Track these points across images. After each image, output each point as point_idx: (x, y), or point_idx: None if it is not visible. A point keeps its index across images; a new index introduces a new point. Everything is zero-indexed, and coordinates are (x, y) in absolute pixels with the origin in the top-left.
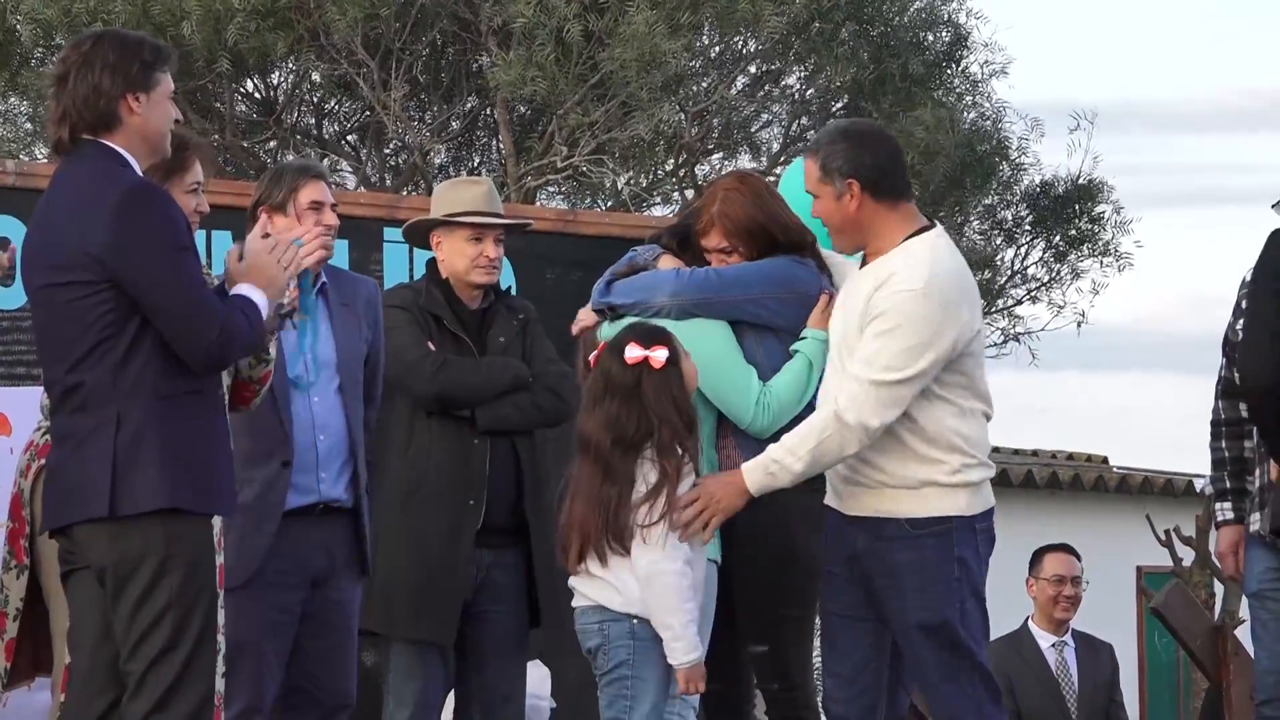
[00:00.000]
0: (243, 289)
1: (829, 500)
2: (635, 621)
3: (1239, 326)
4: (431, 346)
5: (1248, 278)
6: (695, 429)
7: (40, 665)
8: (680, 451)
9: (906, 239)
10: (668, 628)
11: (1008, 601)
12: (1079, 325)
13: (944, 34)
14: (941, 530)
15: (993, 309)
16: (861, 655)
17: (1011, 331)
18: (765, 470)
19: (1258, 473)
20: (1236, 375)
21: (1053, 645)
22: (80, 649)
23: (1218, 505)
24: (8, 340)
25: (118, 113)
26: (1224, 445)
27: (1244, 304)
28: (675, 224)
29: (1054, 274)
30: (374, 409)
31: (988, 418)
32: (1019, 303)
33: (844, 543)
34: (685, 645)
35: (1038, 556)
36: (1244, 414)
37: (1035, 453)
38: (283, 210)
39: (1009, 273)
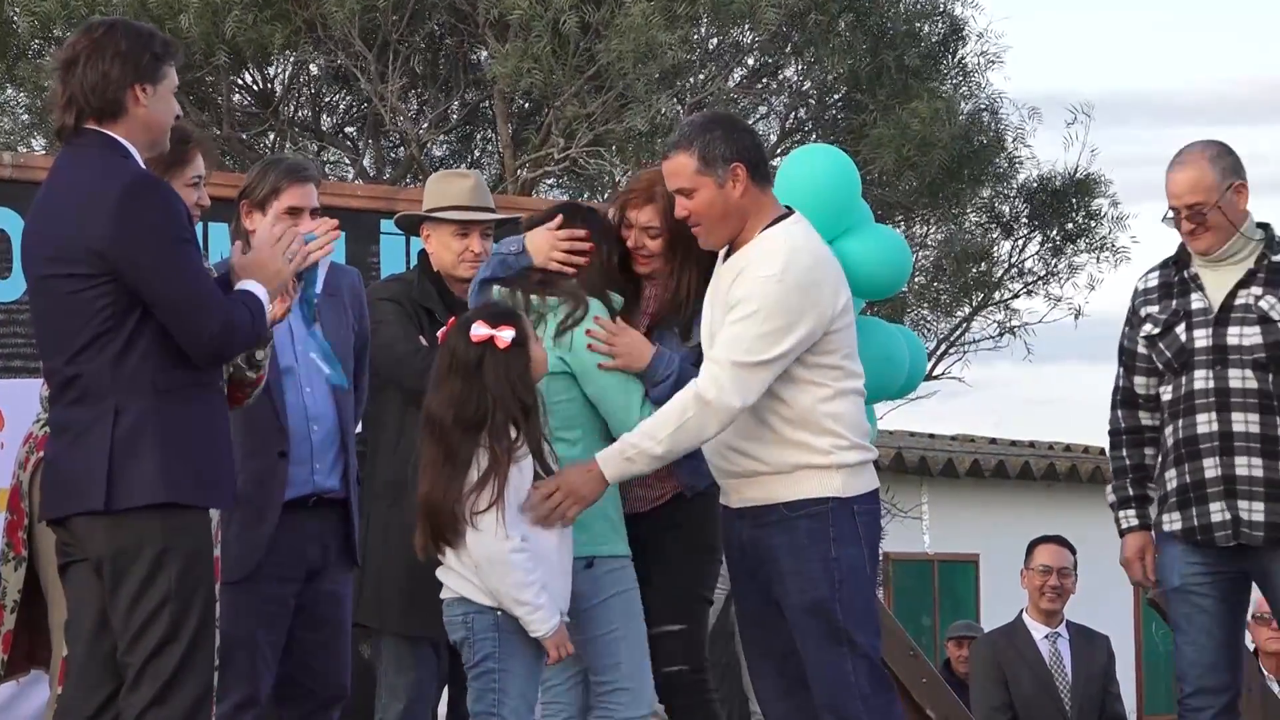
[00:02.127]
0: (245, 284)
1: (720, 497)
2: (499, 614)
3: (1138, 336)
4: (423, 340)
5: (1140, 286)
6: (534, 414)
7: (35, 658)
8: (514, 435)
9: (765, 228)
10: (520, 604)
11: (1001, 593)
12: (1076, 318)
13: (940, 25)
14: (816, 511)
15: (989, 302)
16: (781, 648)
17: (1008, 325)
18: (622, 456)
19: (1172, 475)
20: (1135, 384)
21: (1046, 637)
22: (77, 641)
23: (1120, 513)
24: (4, 333)
25: (124, 102)
26: (1124, 454)
27: (1141, 313)
28: (542, 213)
29: (1051, 268)
30: (361, 402)
31: (862, 395)
32: (1015, 296)
33: (732, 536)
34: (542, 615)
35: (1030, 548)
36: (1144, 422)
37: (1032, 444)
38: (263, 209)
39: (1005, 266)
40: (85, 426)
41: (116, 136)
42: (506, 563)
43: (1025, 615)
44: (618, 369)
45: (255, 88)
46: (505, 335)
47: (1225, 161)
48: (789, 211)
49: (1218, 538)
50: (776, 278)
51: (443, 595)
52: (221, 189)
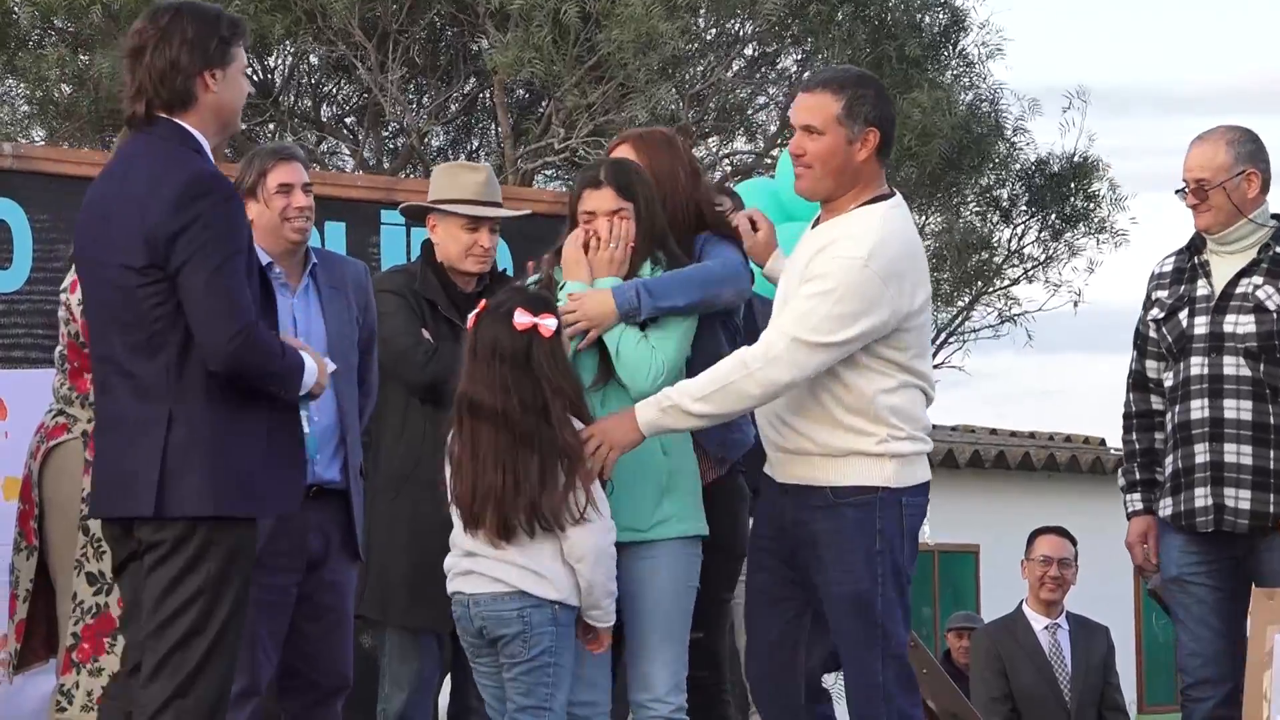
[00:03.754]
0: (311, 367)
1: (766, 468)
2: (558, 607)
3: (1149, 319)
4: (426, 333)
5: (1155, 270)
6: (584, 402)
7: (52, 647)
8: (580, 424)
9: (864, 204)
10: (609, 595)
11: (1002, 583)
12: (1075, 305)
13: (941, 15)
14: (863, 500)
15: (990, 290)
16: (775, 636)
17: (1008, 313)
18: (659, 407)
19: (1169, 460)
20: (1147, 368)
21: (1046, 628)
22: (139, 635)
23: (1127, 497)
24: (5, 324)
25: (194, 90)
26: (1134, 438)
27: (1153, 297)
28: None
29: (1050, 252)
30: (370, 398)
31: (928, 397)
32: (1015, 282)
33: (775, 512)
34: (612, 604)
35: (1031, 539)
36: (1155, 406)
37: (1032, 435)
38: (254, 195)
39: (1005, 253)
40: (140, 427)
41: (188, 127)
42: (610, 554)
43: (1025, 606)
44: (590, 335)
45: (255, 78)
46: (549, 324)
47: (1244, 147)
48: (892, 193)
49: (1198, 523)
50: (862, 261)
51: (481, 589)
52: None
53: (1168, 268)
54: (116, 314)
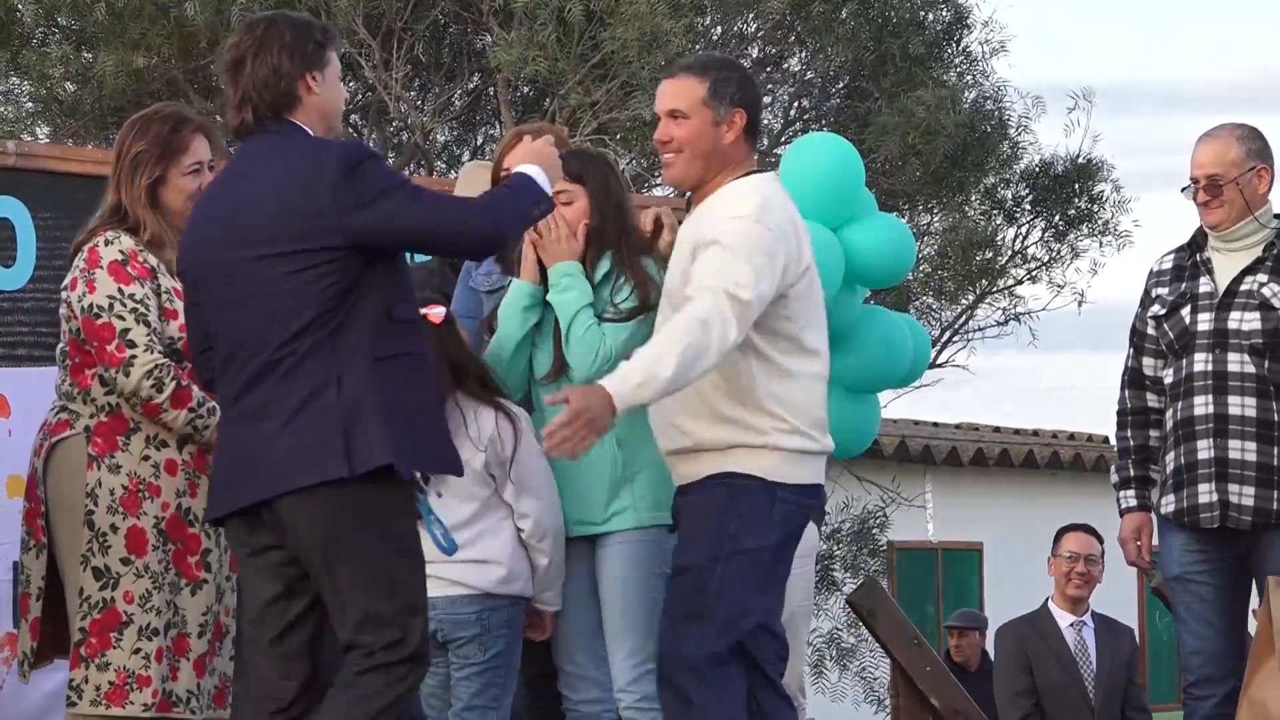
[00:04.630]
0: (522, 166)
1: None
2: (512, 605)
3: (1148, 316)
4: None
5: (1154, 268)
6: (491, 375)
7: (62, 645)
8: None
9: (733, 180)
10: (559, 578)
11: (1005, 581)
12: (1079, 304)
13: (944, 13)
14: (733, 483)
15: (994, 289)
16: None
17: (1012, 311)
18: (631, 383)
19: (1170, 457)
20: (1143, 364)
21: (1071, 625)
22: (263, 627)
23: (1120, 493)
24: (8, 321)
25: (298, 92)
26: (1129, 434)
27: (1152, 294)
28: None
29: (1054, 253)
30: None
31: (822, 379)
32: (1019, 282)
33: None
34: (560, 588)
35: (1058, 535)
36: (1150, 403)
37: (1036, 433)
38: None
39: (1009, 253)
40: (302, 401)
41: (298, 122)
42: (563, 532)
43: (1051, 603)
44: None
45: None
46: (437, 312)
47: (1254, 144)
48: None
49: (1202, 519)
50: (753, 218)
51: (442, 592)
52: None
53: (1167, 265)
54: (272, 306)
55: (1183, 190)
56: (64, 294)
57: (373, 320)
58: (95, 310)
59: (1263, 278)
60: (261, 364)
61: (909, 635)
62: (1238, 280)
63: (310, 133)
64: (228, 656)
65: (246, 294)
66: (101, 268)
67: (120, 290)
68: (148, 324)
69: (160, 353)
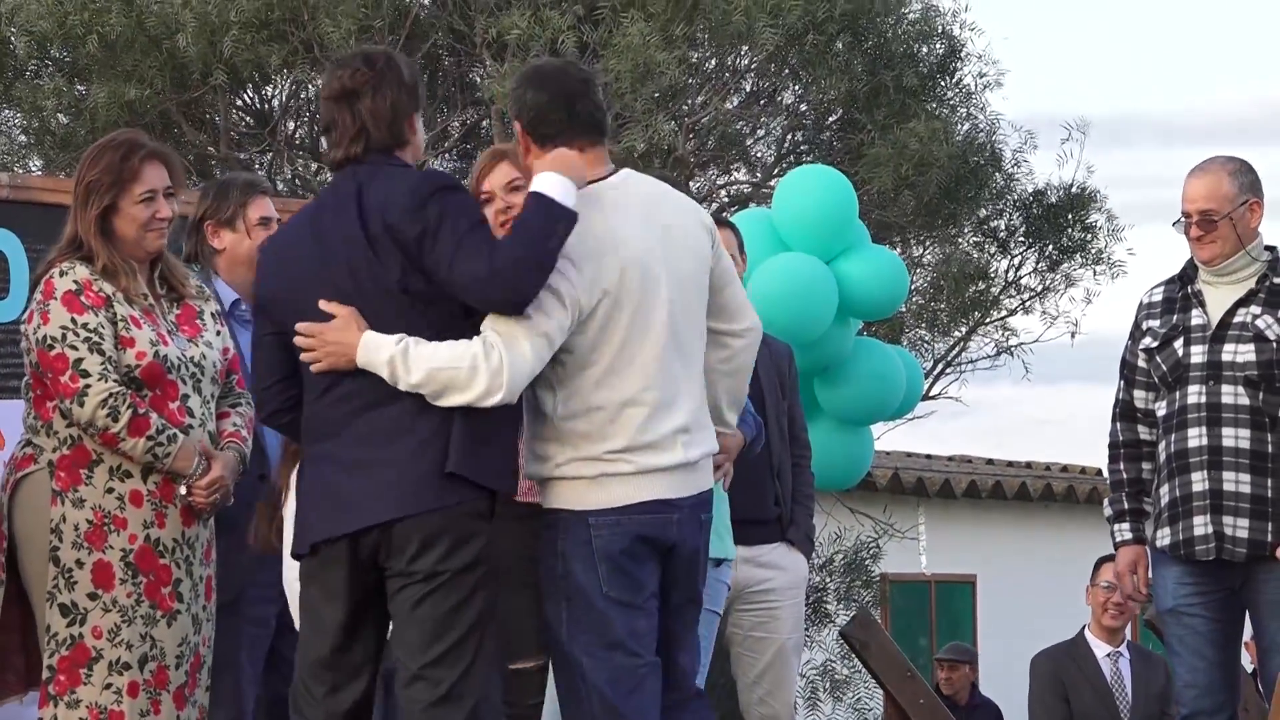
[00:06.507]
0: (544, 180)
1: None
2: None
3: (1138, 349)
4: None
5: (1144, 300)
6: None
7: (33, 679)
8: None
9: None
10: None
11: (999, 613)
12: (1073, 336)
13: (938, 46)
14: (550, 522)
15: (987, 320)
16: None
17: (1005, 344)
18: (379, 350)
19: (1164, 490)
20: (1135, 397)
21: (1108, 655)
22: (327, 640)
23: (1115, 526)
24: (3, 354)
25: (406, 133)
26: (1122, 467)
27: (1143, 326)
28: None
29: (1047, 283)
30: None
31: (634, 405)
32: (1012, 313)
33: None
34: None
35: (1097, 565)
36: (1142, 435)
37: (1029, 465)
38: (231, 226)
39: (1002, 283)
40: (436, 425)
41: (403, 158)
42: None
43: (1087, 632)
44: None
45: (253, 107)
46: None
47: (1245, 178)
48: (603, 177)
49: (1198, 551)
50: None
51: None
52: None
53: (1157, 297)
54: (401, 328)
55: (1174, 225)
56: (23, 328)
57: (455, 333)
58: (49, 341)
59: (1256, 310)
60: (380, 387)
61: (902, 667)
62: (1231, 313)
63: (402, 160)
64: (204, 687)
65: (365, 318)
66: (55, 298)
67: (73, 320)
68: (102, 353)
69: (115, 381)
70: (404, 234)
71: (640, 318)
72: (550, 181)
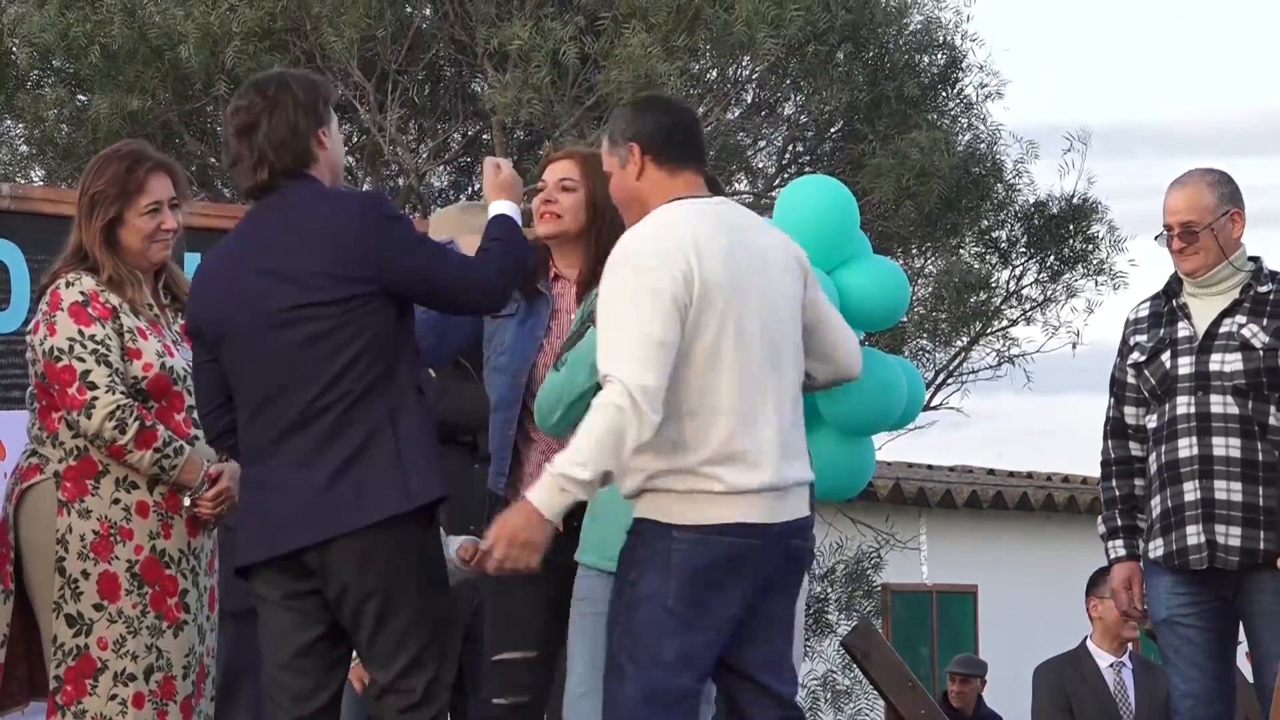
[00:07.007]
0: (494, 206)
1: None
2: None
3: (1127, 365)
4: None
5: (1131, 317)
6: None
7: (37, 689)
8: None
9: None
10: None
11: (1000, 624)
12: (1074, 346)
13: (939, 57)
14: (634, 529)
15: (988, 330)
16: None
17: (1007, 354)
18: (553, 489)
19: (1156, 501)
20: (1125, 414)
21: (1111, 665)
22: (295, 677)
23: (1109, 543)
24: (4, 364)
25: (312, 150)
26: (1114, 484)
27: (1131, 342)
28: None
29: (1049, 294)
30: None
31: (724, 414)
32: (1014, 323)
33: None
34: None
35: (1096, 578)
36: (1133, 452)
37: (1030, 475)
38: None
39: (1004, 294)
40: (359, 444)
41: (314, 174)
42: None
43: (1089, 642)
44: None
45: None
46: None
47: (1224, 188)
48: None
49: (1191, 561)
50: (614, 262)
51: None
52: (214, 219)
53: (1144, 313)
54: (318, 351)
55: (1156, 238)
56: (28, 338)
57: (407, 360)
58: (56, 353)
59: (1241, 319)
60: (303, 410)
61: (903, 678)
62: (1217, 323)
63: (321, 182)
64: (209, 697)
65: (284, 344)
66: (62, 310)
67: (81, 332)
68: (109, 365)
69: (123, 393)
70: (351, 256)
71: (733, 327)
72: (511, 209)
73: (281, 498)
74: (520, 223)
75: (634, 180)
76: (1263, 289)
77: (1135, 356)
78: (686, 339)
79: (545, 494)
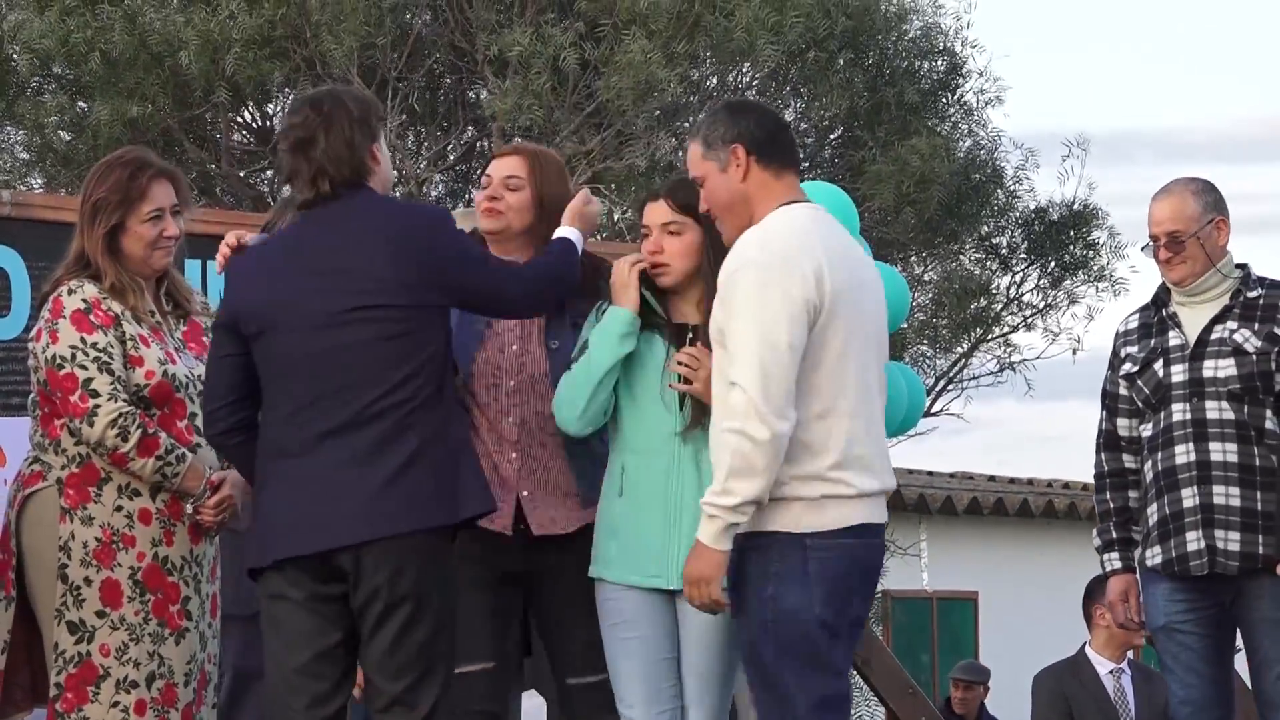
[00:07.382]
0: (562, 231)
1: None
2: None
3: (1118, 377)
4: None
5: (1120, 329)
6: None
7: (39, 696)
8: None
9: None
10: None
11: (1000, 630)
12: (1075, 353)
13: (939, 63)
14: (761, 544)
15: (989, 337)
16: None
17: (1007, 360)
18: (704, 518)
19: (1153, 508)
20: (1118, 426)
21: (1110, 672)
22: (306, 680)
23: (1105, 556)
24: (4, 371)
25: (368, 164)
26: (1109, 496)
27: (1122, 354)
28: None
29: (1050, 300)
30: None
31: (849, 417)
32: (1014, 330)
33: None
34: None
35: (1095, 586)
36: (1127, 464)
37: (1030, 482)
38: None
39: (1004, 300)
40: (414, 451)
41: (370, 186)
42: None
43: (1089, 649)
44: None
45: (254, 125)
46: None
47: (1208, 196)
48: (801, 199)
49: (1192, 567)
50: (745, 262)
51: None
52: (214, 225)
53: (1133, 324)
54: (375, 356)
55: (1143, 249)
56: (30, 345)
57: (450, 379)
58: (58, 361)
59: (1232, 325)
60: (358, 411)
61: (904, 684)
62: (1208, 330)
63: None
64: (211, 704)
65: (343, 344)
66: (64, 317)
67: (83, 339)
68: (111, 372)
69: (125, 401)
70: (412, 264)
71: (857, 332)
72: (575, 236)
73: (321, 496)
74: (580, 252)
75: (739, 183)
76: (1252, 294)
77: (1127, 368)
78: (816, 343)
79: (702, 526)
